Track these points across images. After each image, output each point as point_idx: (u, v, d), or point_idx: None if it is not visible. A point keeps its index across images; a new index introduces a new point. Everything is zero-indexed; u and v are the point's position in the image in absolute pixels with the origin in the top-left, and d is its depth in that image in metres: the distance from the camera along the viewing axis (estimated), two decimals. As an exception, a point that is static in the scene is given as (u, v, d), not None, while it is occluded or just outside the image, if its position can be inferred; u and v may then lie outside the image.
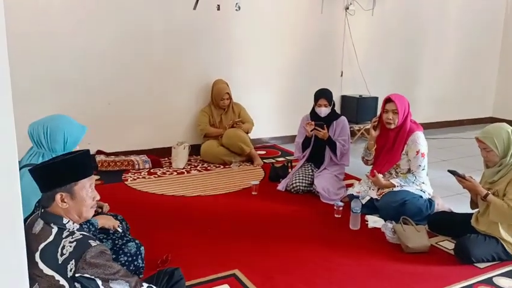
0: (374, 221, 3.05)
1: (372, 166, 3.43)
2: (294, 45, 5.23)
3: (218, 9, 4.70)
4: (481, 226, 2.66)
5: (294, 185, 3.64)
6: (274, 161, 4.58)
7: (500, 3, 6.58)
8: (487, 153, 2.62)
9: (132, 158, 4.23)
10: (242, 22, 4.86)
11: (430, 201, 3.15)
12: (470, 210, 2.83)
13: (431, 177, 3.28)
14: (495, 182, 2.62)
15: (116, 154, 4.34)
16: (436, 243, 2.80)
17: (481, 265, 2.53)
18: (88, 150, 1.66)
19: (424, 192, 3.15)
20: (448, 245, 2.77)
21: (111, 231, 2.28)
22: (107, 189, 3.56)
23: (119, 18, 4.27)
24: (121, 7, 4.26)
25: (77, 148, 2.13)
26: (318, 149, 3.74)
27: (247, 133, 4.52)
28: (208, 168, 4.30)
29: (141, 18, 4.37)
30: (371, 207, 3.22)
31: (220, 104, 4.52)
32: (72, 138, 2.12)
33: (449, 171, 2.74)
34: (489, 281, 2.38)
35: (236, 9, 4.80)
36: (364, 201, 3.22)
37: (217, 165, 4.36)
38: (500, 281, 2.40)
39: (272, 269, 2.46)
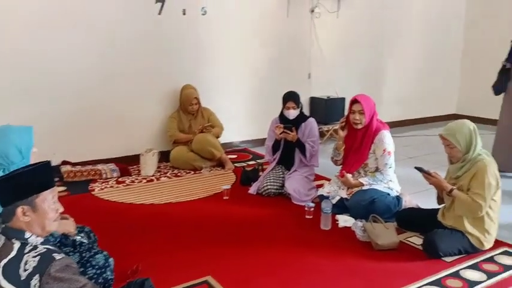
0: (344, 220, 3.09)
1: (341, 166, 3.48)
2: (261, 48, 5.25)
3: (184, 13, 4.67)
4: (447, 221, 2.73)
5: (265, 188, 3.64)
6: (245, 164, 4.57)
7: (460, 4, 6.81)
8: (451, 149, 2.69)
9: (100, 167, 4.14)
10: (209, 26, 4.84)
11: (398, 199, 3.22)
12: (437, 206, 2.90)
13: (399, 175, 3.34)
14: (459, 177, 2.70)
15: (83, 164, 4.24)
16: (404, 239, 2.86)
17: (449, 259, 2.60)
18: (49, 162, 1.62)
19: (392, 189, 3.21)
20: (416, 240, 2.83)
21: (77, 243, 2.22)
22: (73, 201, 3.47)
23: (84, 26, 4.18)
24: (86, 15, 4.17)
25: (35, 151, 2.07)
26: (288, 151, 3.76)
27: (217, 138, 4.50)
28: (179, 174, 4.25)
29: (106, 25, 4.29)
30: (341, 206, 3.25)
31: (189, 109, 4.49)
32: (25, 145, 2.06)
33: (416, 168, 2.81)
34: (456, 274, 2.45)
35: (202, 14, 4.78)
36: (334, 201, 3.26)
37: (188, 171, 4.32)
38: (466, 273, 2.46)
39: (246, 273, 2.46)
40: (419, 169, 2.77)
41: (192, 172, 4.30)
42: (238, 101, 5.22)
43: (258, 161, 4.58)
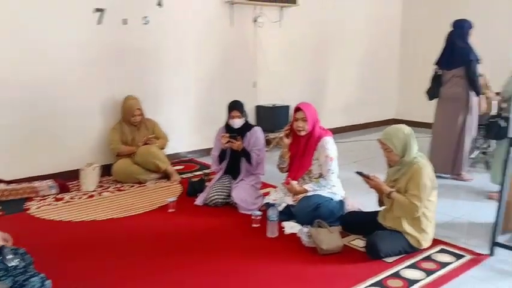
0: (291, 227, 3.11)
1: (287, 173, 3.51)
2: (206, 58, 5.24)
3: (125, 23, 4.57)
4: (387, 222, 2.83)
5: (212, 198, 3.61)
6: (192, 175, 4.51)
7: (396, 14, 7.15)
8: (388, 153, 2.80)
9: (36, 184, 3.93)
10: (151, 36, 4.76)
11: (342, 203, 3.30)
12: (378, 208, 3.00)
13: (342, 179, 3.43)
14: (397, 180, 2.80)
15: (18, 181, 4.00)
16: (348, 242, 2.92)
17: (390, 259, 2.68)
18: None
19: (335, 194, 3.28)
20: (359, 243, 2.91)
21: (10, 268, 2.09)
22: (7, 221, 3.27)
23: (18, 38, 3.97)
24: (19, 24, 3.97)
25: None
26: (235, 160, 3.75)
27: (162, 149, 4.41)
28: (122, 188, 4.12)
29: (40, 36, 4.10)
30: (288, 213, 3.28)
31: (131, 121, 4.37)
32: None
33: (356, 172, 2.89)
34: (397, 275, 2.53)
35: (144, 23, 4.70)
36: (280, 208, 3.28)
37: (132, 185, 4.20)
38: (406, 273, 2.55)
39: (193, 284, 2.41)
40: (360, 173, 2.86)
41: (136, 186, 4.18)
42: (184, 111, 5.16)
43: (204, 171, 4.54)
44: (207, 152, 5.06)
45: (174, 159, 4.96)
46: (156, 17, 4.75)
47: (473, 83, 4.20)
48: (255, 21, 5.52)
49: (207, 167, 4.68)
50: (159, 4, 4.77)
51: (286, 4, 5.63)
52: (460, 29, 4.24)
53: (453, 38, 4.27)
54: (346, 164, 4.66)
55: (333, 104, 6.52)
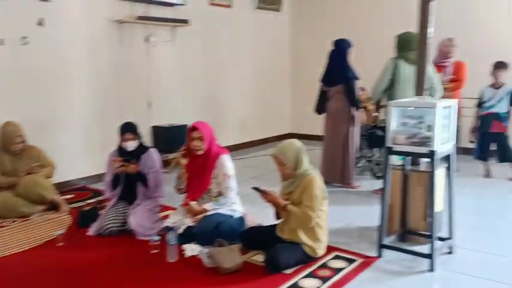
0: (191, 249, 3.05)
1: (185, 194, 3.45)
2: (95, 78, 4.99)
3: (1, 44, 4.18)
4: (285, 234, 2.91)
5: (106, 226, 3.41)
6: (83, 203, 4.23)
7: (284, 35, 7.53)
8: (282, 167, 2.91)
9: None
10: (32, 57, 4.41)
11: (242, 219, 3.33)
12: (276, 221, 3.07)
13: (242, 195, 3.46)
14: (292, 192, 2.91)
15: None
16: (249, 258, 2.94)
17: (289, 271, 2.75)
18: None
19: (235, 211, 3.30)
20: (259, 258, 2.94)
21: None
22: None
23: None
24: None
25: None
26: (130, 185, 3.59)
27: (48, 178, 4.07)
28: (3, 224, 3.70)
29: None
30: (188, 235, 3.21)
31: (12, 149, 3.97)
32: None
33: (252, 188, 2.94)
34: (295, 285, 2.60)
35: (23, 44, 4.34)
36: (180, 231, 3.21)
37: (14, 219, 3.79)
38: (304, 282, 2.64)
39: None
40: (256, 189, 2.91)
41: (20, 220, 3.79)
42: (73, 135, 4.83)
43: (98, 198, 4.27)
44: (100, 177, 4.78)
45: (65, 187, 4.61)
46: (37, 37, 4.42)
47: (351, 99, 4.55)
48: (146, 40, 5.42)
49: (101, 193, 4.42)
50: (40, 24, 4.46)
51: (178, 24, 5.61)
52: (339, 48, 4.60)
53: (333, 57, 4.62)
54: (245, 180, 4.72)
55: (231, 121, 6.62)
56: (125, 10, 5.14)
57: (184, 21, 5.62)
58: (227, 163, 3.34)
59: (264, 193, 2.90)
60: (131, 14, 5.18)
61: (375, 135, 4.14)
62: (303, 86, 7.33)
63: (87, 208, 3.87)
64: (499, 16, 5.72)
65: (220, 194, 3.33)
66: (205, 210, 3.24)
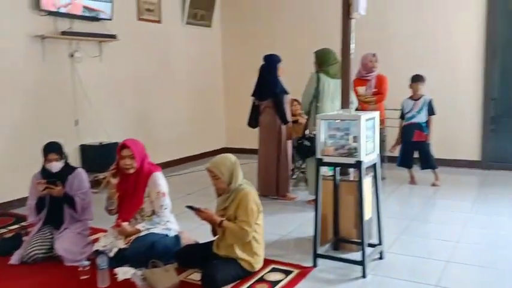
0: (124, 272, 2.93)
1: (117, 215, 3.32)
2: (17, 96, 4.69)
3: None
4: (221, 251, 2.89)
5: (31, 253, 3.18)
6: (5, 230, 3.92)
7: (216, 51, 7.57)
8: (216, 180, 2.90)
9: None
10: None
11: (177, 238, 3.26)
12: (213, 238, 3.04)
13: (177, 213, 3.39)
14: (227, 208, 2.90)
15: None
16: (185, 278, 2.88)
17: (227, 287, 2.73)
18: None
19: (170, 230, 3.22)
20: (196, 276, 2.89)
21: None
22: None
23: None
24: None
25: None
26: (56, 208, 3.39)
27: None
28: None
29: None
30: (121, 258, 3.08)
31: None
32: None
33: (186, 207, 2.90)
34: (233, 301, 2.59)
35: None
36: (112, 254, 3.07)
37: None
38: (242, 297, 2.63)
39: None
40: (190, 207, 2.87)
41: None
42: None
43: (21, 224, 3.99)
44: (23, 201, 4.47)
45: (-18, 214, 4.27)
46: None
47: (279, 113, 4.65)
48: (71, 56, 5.20)
49: (24, 219, 4.12)
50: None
51: (105, 39, 5.45)
52: (269, 63, 4.71)
53: (263, 72, 4.73)
54: (181, 197, 4.65)
55: (164, 137, 6.49)
56: (48, 25, 4.91)
57: (112, 36, 5.48)
58: (160, 181, 3.27)
59: (198, 211, 2.86)
60: (55, 29, 4.96)
61: (303, 146, 4.33)
62: (237, 100, 7.38)
63: (9, 235, 3.63)
64: (415, 33, 6.15)
65: (153, 213, 3.25)
66: (138, 231, 3.14)
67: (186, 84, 6.93)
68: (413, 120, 5.16)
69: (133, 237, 3.12)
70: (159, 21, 6.38)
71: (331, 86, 4.29)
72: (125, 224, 3.16)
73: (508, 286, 2.80)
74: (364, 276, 2.88)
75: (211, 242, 3.02)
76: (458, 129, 6.00)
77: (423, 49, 6.10)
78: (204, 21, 7.17)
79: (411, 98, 5.21)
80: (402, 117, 5.26)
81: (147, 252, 2.99)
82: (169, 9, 6.52)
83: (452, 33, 5.97)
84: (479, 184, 5.36)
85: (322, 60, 4.36)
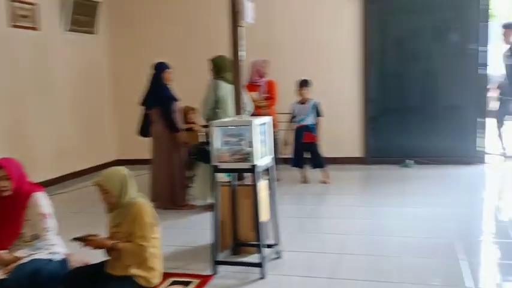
0: (2, 307, 2.61)
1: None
2: None
3: None
4: (117, 271, 2.70)
5: None
6: None
7: (103, 57, 7.19)
8: (105, 195, 2.72)
9: None
10: None
11: (65, 261, 3.00)
12: (107, 257, 2.84)
13: (64, 234, 3.11)
14: (120, 224, 2.73)
15: None
16: (75, 304, 2.66)
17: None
18: None
19: (55, 254, 2.95)
20: (88, 301, 2.68)
21: None
22: None
23: None
24: None
25: None
26: None
27: None
28: None
29: None
30: (0, 290, 2.75)
31: None
32: None
33: (72, 240, 2.68)
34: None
35: None
36: (-12, 287, 2.72)
37: None
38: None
39: None
40: (76, 239, 2.66)
41: None
42: None
43: None
44: None
45: None
46: None
47: (167, 121, 4.56)
48: None
49: None
50: None
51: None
52: (157, 70, 4.61)
53: (151, 80, 4.60)
54: (67, 217, 4.30)
55: (45, 154, 5.94)
56: None
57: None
58: (41, 201, 2.98)
59: (87, 241, 2.66)
60: None
61: (204, 151, 4.27)
62: (129, 109, 7.00)
63: None
64: (302, 41, 6.50)
65: (35, 237, 2.94)
66: (19, 259, 2.82)
67: (68, 94, 6.44)
68: (303, 123, 5.42)
69: (13, 265, 2.81)
70: (36, 28, 5.86)
71: (229, 92, 4.29)
72: (3, 252, 2.83)
73: (394, 270, 3.05)
74: (263, 277, 2.92)
75: (103, 262, 2.83)
76: (342, 129, 6.46)
77: (310, 56, 6.47)
78: (87, 28, 6.76)
79: (299, 102, 5.47)
80: (292, 120, 5.49)
81: (29, 281, 2.70)
82: (47, 15, 6.02)
83: (334, 42, 6.46)
84: (363, 178, 5.84)
85: (219, 67, 4.38)
